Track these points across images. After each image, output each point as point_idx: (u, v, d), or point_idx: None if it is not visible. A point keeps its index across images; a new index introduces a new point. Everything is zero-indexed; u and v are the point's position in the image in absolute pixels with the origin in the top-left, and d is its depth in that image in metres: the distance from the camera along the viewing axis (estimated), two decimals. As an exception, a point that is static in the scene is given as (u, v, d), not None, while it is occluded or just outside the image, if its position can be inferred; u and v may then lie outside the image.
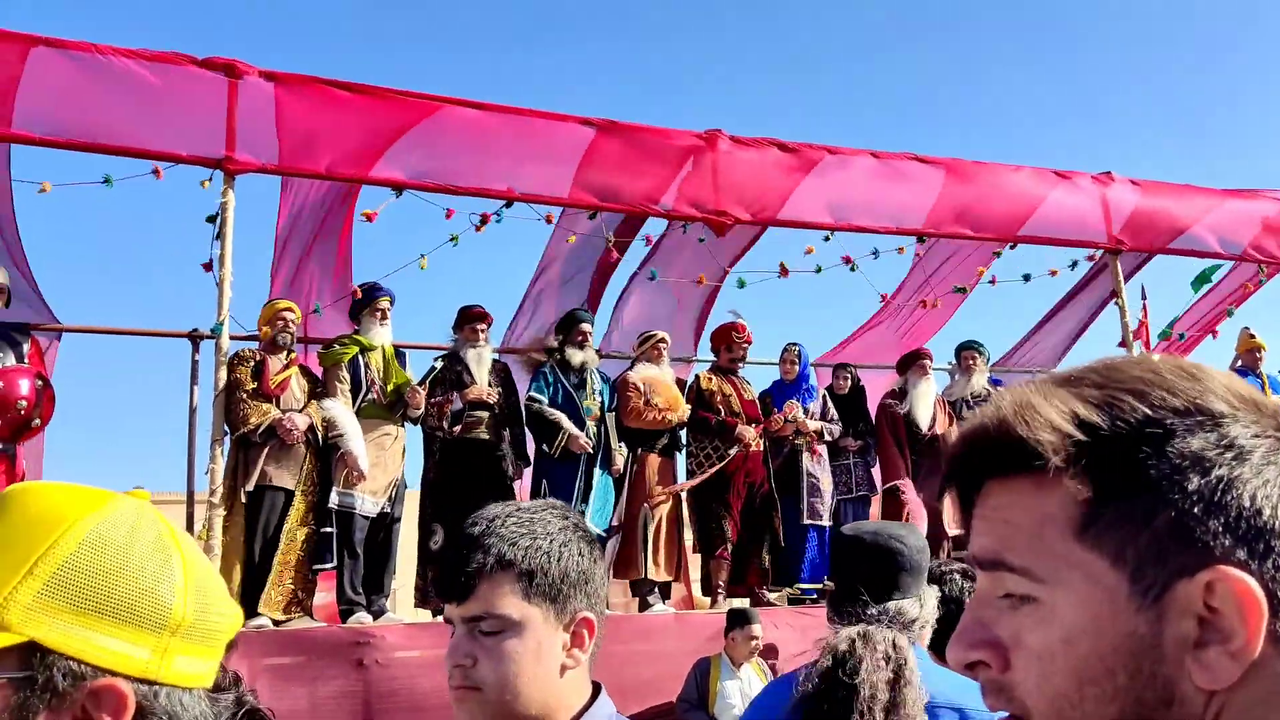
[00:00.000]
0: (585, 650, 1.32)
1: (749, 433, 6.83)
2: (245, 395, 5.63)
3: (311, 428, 5.76)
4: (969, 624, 0.70)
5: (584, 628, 1.31)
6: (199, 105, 5.65)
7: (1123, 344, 7.84)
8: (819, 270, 7.48)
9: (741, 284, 7.49)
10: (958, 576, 2.51)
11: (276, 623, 5.51)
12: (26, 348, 5.44)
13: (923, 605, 1.96)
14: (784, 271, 7.39)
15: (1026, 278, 8.09)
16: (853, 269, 7.45)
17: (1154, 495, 0.62)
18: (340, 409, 5.88)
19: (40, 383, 5.19)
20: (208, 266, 5.86)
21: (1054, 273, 8.13)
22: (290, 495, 5.66)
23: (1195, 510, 0.62)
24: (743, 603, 6.97)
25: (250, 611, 5.42)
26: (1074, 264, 8.19)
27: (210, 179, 5.75)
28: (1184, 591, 0.61)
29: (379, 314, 6.18)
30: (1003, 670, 0.67)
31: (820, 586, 7.01)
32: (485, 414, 6.25)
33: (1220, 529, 0.62)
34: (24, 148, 5.47)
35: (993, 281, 8.16)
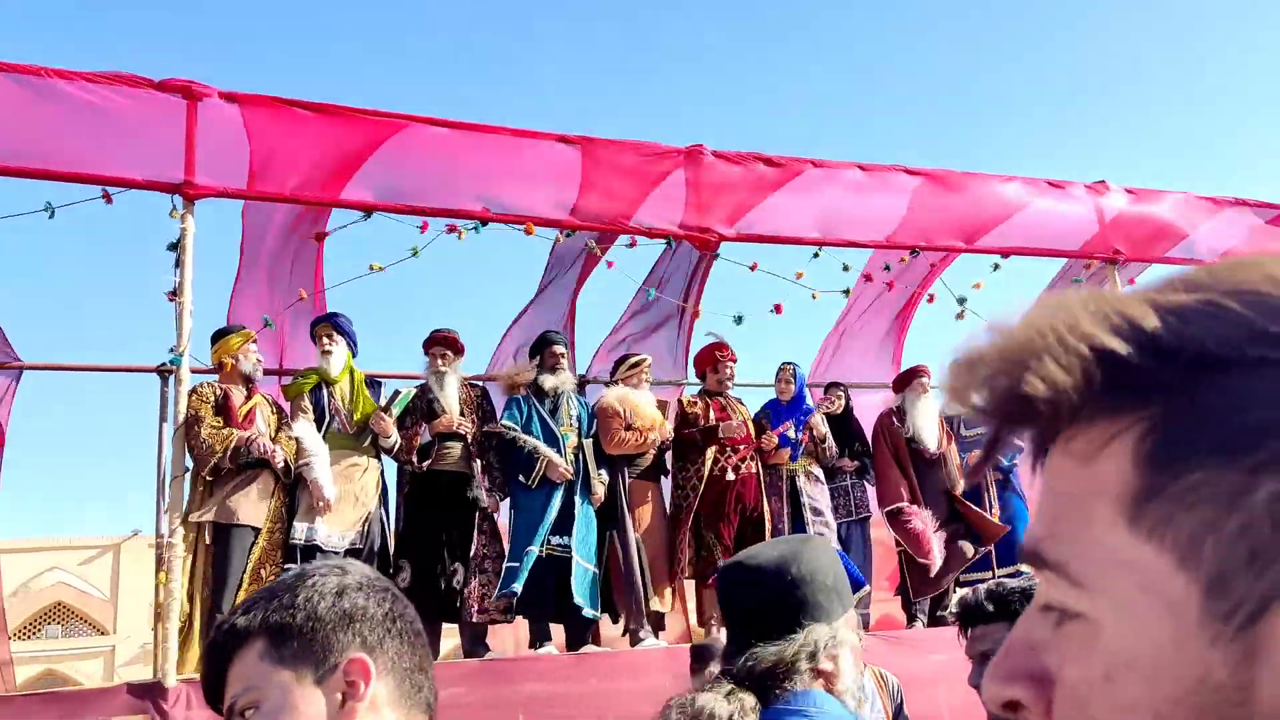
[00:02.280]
0: (362, 699, 1.10)
1: (730, 426, 6.58)
2: (211, 428, 5.39)
3: (285, 464, 5.52)
4: (1009, 647, 0.49)
5: (357, 673, 1.11)
6: (157, 129, 5.45)
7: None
8: (815, 297, 7.30)
9: (739, 321, 7.27)
10: (1017, 599, 2.10)
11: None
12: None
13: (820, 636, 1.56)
14: (778, 310, 7.21)
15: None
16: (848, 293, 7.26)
17: (1252, 457, 0.40)
18: (306, 429, 5.65)
19: (-13, 421, 4.96)
20: (172, 295, 5.65)
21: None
22: (258, 533, 5.41)
23: None
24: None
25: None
26: (1077, 281, 7.98)
27: (175, 207, 5.55)
28: None
29: (319, 342, 5.94)
30: (1045, 715, 0.46)
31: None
32: (458, 445, 5.98)
33: None
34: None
35: (976, 286, 7.95)
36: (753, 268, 7.04)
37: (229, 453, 5.31)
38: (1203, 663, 0.41)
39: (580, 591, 5.94)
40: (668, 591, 6.45)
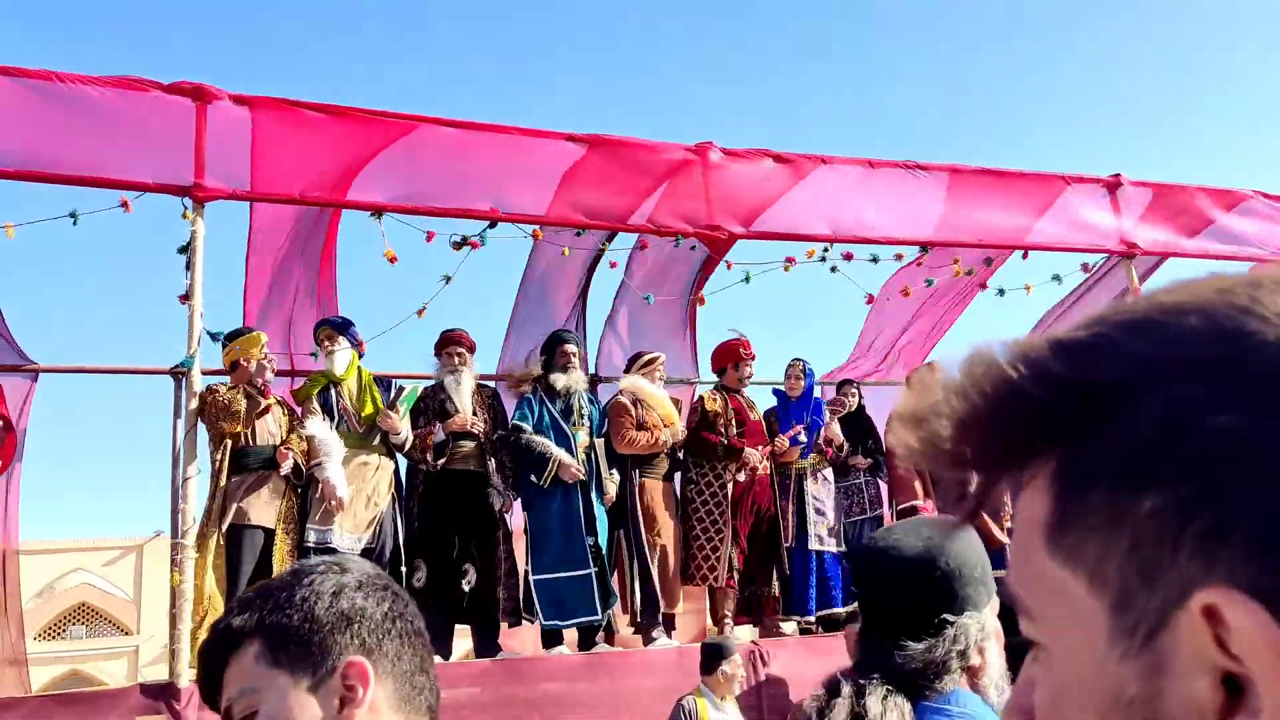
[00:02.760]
0: (361, 704, 1.07)
1: (755, 455, 6.55)
2: (222, 427, 5.44)
3: (296, 465, 5.55)
4: (1017, 684, 0.52)
5: (356, 677, 1.07)
6: (166, 132, 5.48)
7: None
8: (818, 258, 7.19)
9: (747, 279, 7.16)
10: None
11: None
12: (-12, 388, 5.26)
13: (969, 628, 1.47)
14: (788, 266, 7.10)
15: (1057, 278, 7.81)
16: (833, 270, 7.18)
17: (1137, 476, 0.42)
18: (320, 426, 5.66)
19: (1, 425, 4.99)
20: (184, 298, 5.67)
21: (1058, 279, 7.84)
22: (271, 534, 5.43)
23: (1200, 491, 0.40)
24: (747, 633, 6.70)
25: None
26: (1085, 266, 7.89)
27: (187, 209, 5.57)
28: (1186, 628, 0.40)
29: (322, 345, 5.96)
30: None
31: (828, 614, 6.73)
32: (471, 444, 5.98)
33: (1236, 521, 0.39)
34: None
35: (982, 285, 7.90)
36: (788, 264, 7.00)
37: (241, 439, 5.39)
38: (1118, 679, 0.42)
39: (584, 591, 5.96)
40: (679, 592, 6.43)
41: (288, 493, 5.54)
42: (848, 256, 7.08)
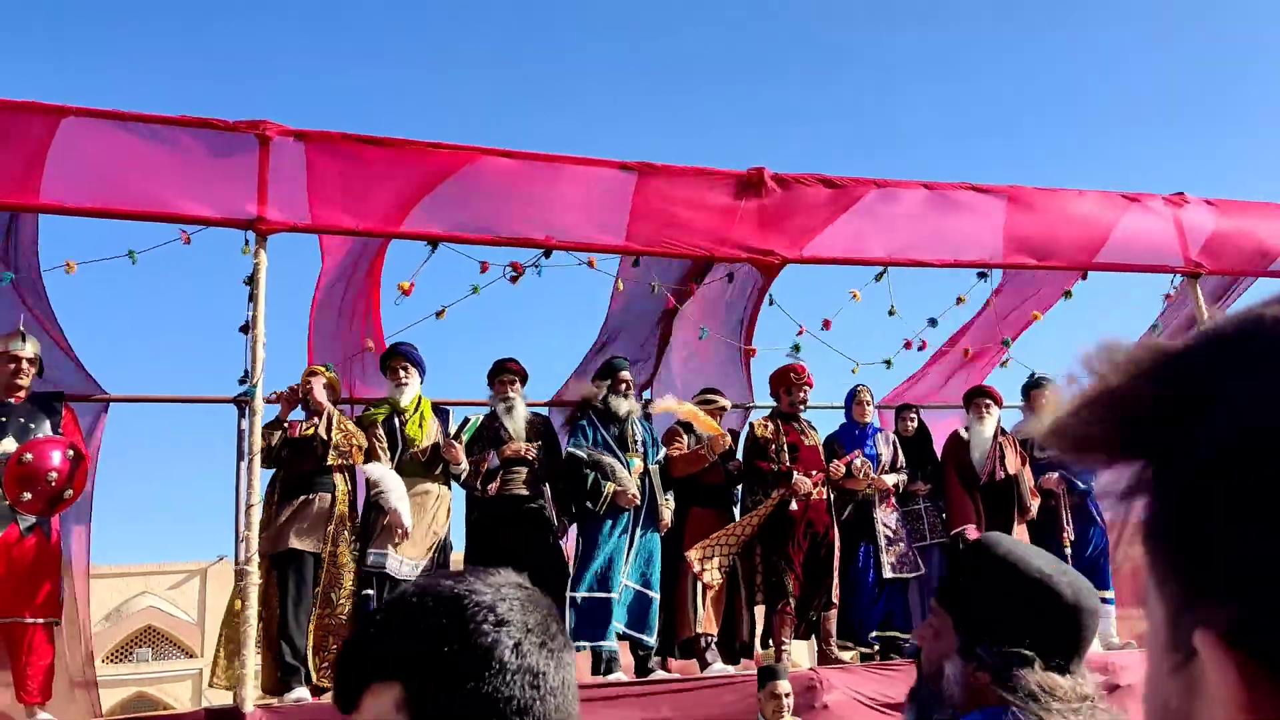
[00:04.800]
0: None
1: (806, 483, 6.50)
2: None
3: (355, 491, 5.64)
4: None
5: None
6: (230, 168, 5.61)
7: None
8: (889, 364, 7.28)
9: (797, 348, 7.25)
10: None
11: (318, 690, 5.33)
12: (61, 418, 5.39)
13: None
14: (827, 325, 7.19)
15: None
16: (892, 311, 7.19)
17: (1198, 501, 0.41)
18: (380, 469, 5.75)
19: (72, 453, 5.12)
20: (245, 329, 5.79)
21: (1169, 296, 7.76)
22: (318, 559, 5.50)
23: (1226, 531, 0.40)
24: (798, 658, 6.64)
25: (295, 680, 5.29)
26: (1168, 297, 7.79)
27: (248, 243, 5.70)
28: (1207, 661, 0.41)
29: (393, 374, 6.05)
30: None
31: (889, 636, 6.65)
32: (524, 470, 6.02)
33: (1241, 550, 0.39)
34: (49, 230, 5.49)
35: (1035, 316, 7.82)
36: (854, 296, 7.02)
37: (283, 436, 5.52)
38: (1166, 689, 0.44)
39: (619, 614, 5.94)
40: (713, 613, 6.37)
41: (335, 515, 5.60)
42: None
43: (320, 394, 5.74)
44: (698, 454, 6.40)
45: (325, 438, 5.64)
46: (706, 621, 6.24)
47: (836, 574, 6.56)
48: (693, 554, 6.22)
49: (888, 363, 7.49)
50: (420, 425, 5.98)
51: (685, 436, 6.48)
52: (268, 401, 5.66)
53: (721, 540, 6.35)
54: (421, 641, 0.93)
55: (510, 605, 0.95)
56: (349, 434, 5.76)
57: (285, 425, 5.68)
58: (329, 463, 5.66)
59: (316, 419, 5.73)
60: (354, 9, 69.73)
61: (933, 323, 7.66)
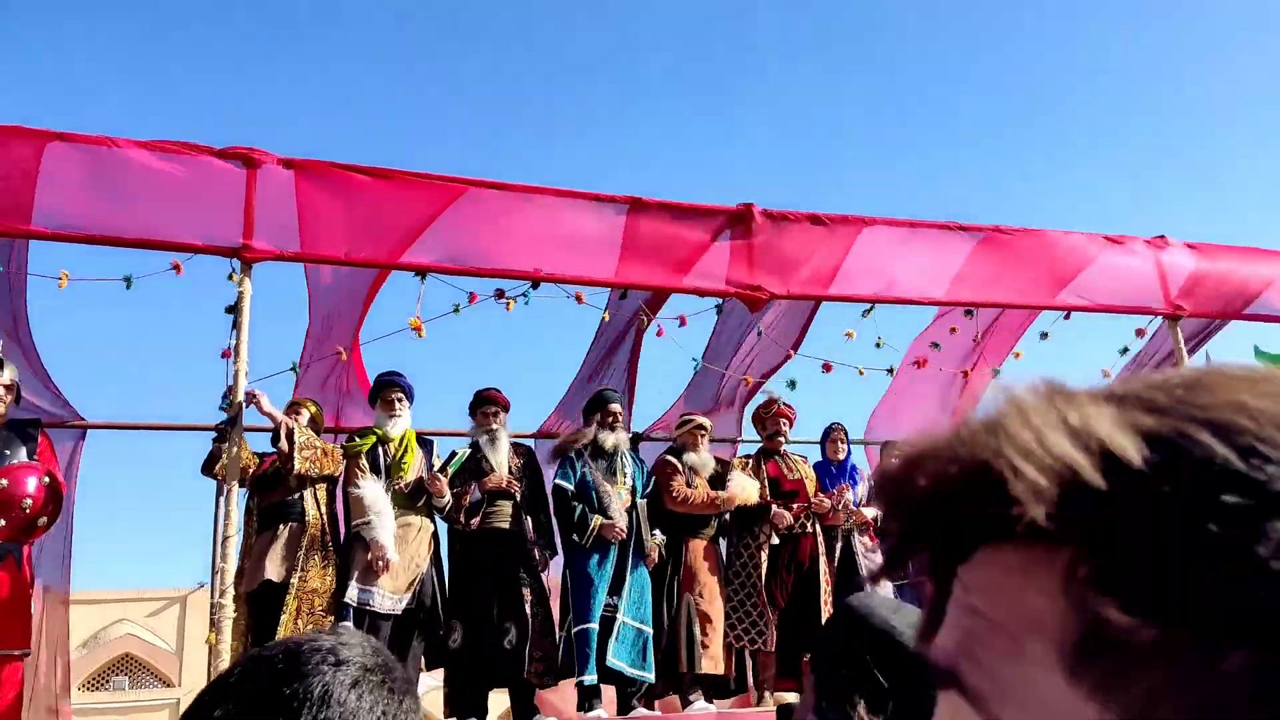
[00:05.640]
0: None
1: (785, 516, 6.48)
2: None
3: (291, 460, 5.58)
4: None
5: None
6: (217, 195, 5.60)
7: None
8: (861, 373, 7.36)
9: (792, 385, 7.30)
10: None
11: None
12: (37, 444, 5.35)
13: None
14: (827, 368, 7.24)
15: (1123, 350, 7.83)
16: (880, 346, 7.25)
17: (1225, 617, 0.33)
18: (372, 489, 5.68)
19: (48, 480, 5.07)
20: (226, 354, 5.76)
21: (1140, 332, 7.82)
22: (286, 586, 5.43)
23: None
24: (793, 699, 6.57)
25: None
26: (1139, 331, 7.82)
27: (233, 271, 5.68)
28: None
29: (387, 406, 6.02)
30: None
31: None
32: (507, 503, 5.98)
33: None
34: (42, 244, 5.46)
35: (1016, 355, 7.90)
36: (849, 335, 7.08)
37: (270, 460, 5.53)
38: None
39: (620, 654, 5.88)
40: (720, 654, 6.34)
41: (305, 544, 5.54)
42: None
43: (267, 406, 5.63)
44: (714, 504, 6.38)
45: (289, 465, 5.58)
46: (710, 663, 6.19)
47: (826, 612, 6.52)
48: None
49: (890, 370, 7.54)
50: (406, 456, 5.94)
51: (681, 472, 6.46)
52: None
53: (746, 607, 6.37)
54: (256, 695, 1.00)
55: (350, 674, 1.01)
56: (314, 453, 5.69)
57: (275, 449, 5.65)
58: (296, 489, 5.63)
59: (282, 444, 5.65)
60: (353, 44, 70.03)
61: (935, 346, 7.75)
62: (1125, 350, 8.13)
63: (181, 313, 37.65)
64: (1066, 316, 7.55)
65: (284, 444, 5.54)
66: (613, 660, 5.85)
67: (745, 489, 6.49)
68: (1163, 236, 7.61)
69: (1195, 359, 7.70)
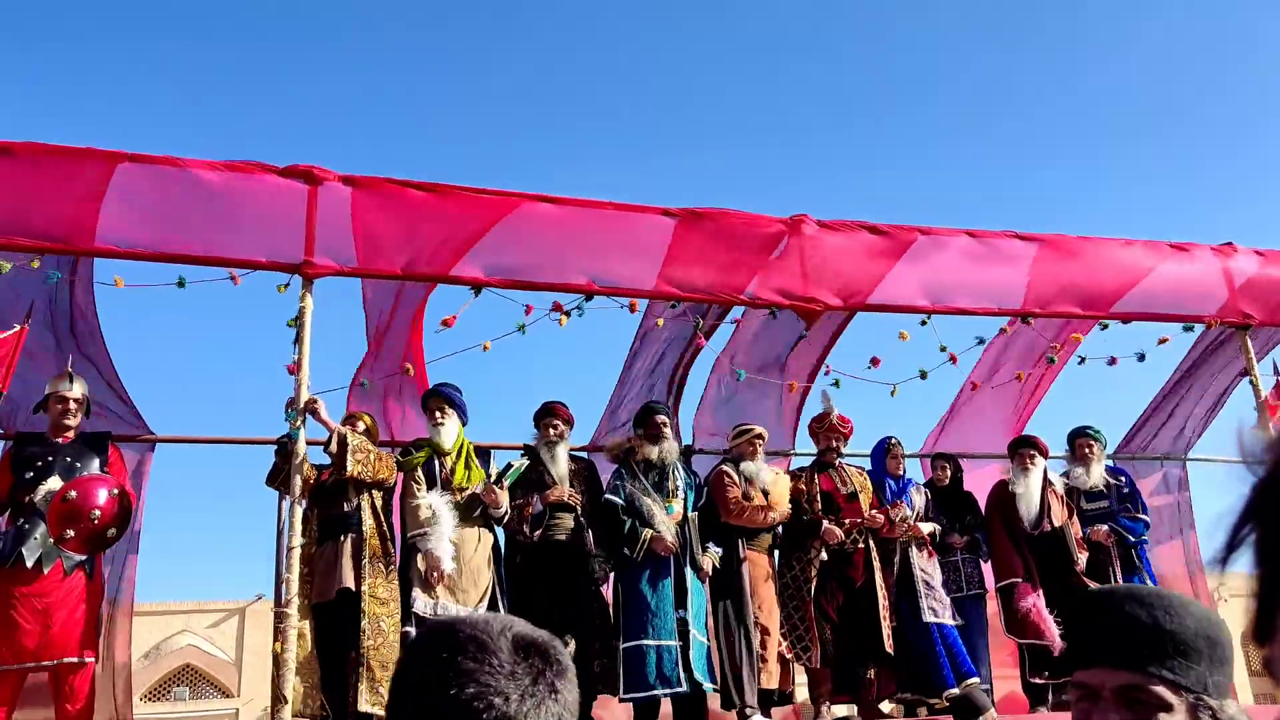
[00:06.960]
0: None
1: (836, 532, 6.42)
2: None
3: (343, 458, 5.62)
4: None
5: None
6: (279, 212, 5.70)
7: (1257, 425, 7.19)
8: (924, 375, 7.17)
9: (837, 384, 7.22)
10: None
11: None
12: (108, 457, 5.47)
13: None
14: (875, 362, 7.08)
15: (1140, 357, 7.51)
16: (954, 362, 7.09)
17: None
18: (431, 501, 5.72)
19: (118, 492, 5.18)
20: (292, 369, 5.85)
21: (1164, 340, 7.49)
22: (358, 596, 5.47)
23: None
24: (848, 711, 6.51)
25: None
26: (1189, 327, 7.49)
27: (288, 284, 5.75)
28: None
29: (430, 415, 6.06)
30: None
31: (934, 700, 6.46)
32: (568, 516, 6.00)
33: None
34: (106, 261, 5.59)
35: (1081, 361, 7.68)
36: (903, 336, 6.93)
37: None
38: None
39: (699, 667, 5.85)
40: (776, 668, 6.29)
41: (368, 552, 5.58)
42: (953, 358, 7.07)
43: (324, 414, 5.63)
44: (768, 517, 6.36)
45: (342, 467, 5.61)
46: (767, 677, 6.15)
47: (887, 626, 6.42)
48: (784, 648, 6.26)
49: (923, 374, 7.33)
50: (467, 468, 5.95)
51: (737, 483, 6.42)
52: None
53: (794, 621, 6.33)
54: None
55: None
56: (367, 455, 5.71)
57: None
58: (353, 496, 5.67)
59: (332, 446, 5.67)
60: (407, 64, 70.98)
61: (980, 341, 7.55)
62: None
63: (246, 328, 38.39)
64: (1126, 323, 7.38)
65: (333, 446, 5.57)
66: (697, 673, 5.81)
67: (786, 508, 6.46)
68: (1230, 243, 7.44)
69: (1263, 366, 7.51)
